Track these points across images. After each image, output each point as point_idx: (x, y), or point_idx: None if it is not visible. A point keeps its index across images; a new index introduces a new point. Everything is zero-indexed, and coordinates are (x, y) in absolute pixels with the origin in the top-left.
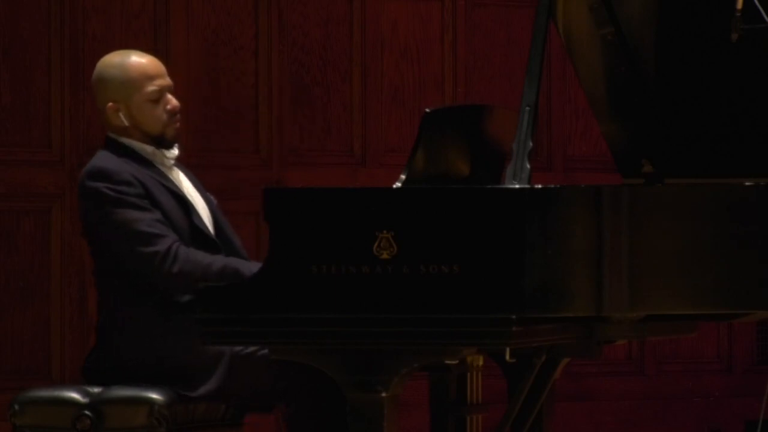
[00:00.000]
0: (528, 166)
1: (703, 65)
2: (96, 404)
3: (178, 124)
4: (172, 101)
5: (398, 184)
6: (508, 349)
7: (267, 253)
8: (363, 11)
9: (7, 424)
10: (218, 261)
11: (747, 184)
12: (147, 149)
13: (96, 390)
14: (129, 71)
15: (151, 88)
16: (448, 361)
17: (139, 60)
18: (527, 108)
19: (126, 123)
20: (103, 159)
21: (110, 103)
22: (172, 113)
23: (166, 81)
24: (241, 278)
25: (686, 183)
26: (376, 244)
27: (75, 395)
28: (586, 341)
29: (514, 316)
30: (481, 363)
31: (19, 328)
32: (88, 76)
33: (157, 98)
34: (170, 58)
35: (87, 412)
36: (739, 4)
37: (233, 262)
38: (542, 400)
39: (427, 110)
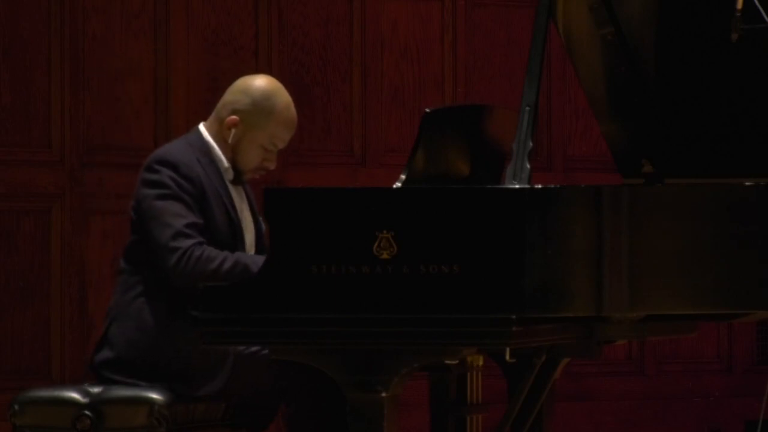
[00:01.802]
0: (528, 166)
1: (703, 65)
2: (96, 404)
3: (257, 176)
4: (273, 163)
5: (398, 184)
6: (508, 349)
7: (267, 253)
8: (363, 11)
9: (7, 424)
10: (229, 259)
11: (747, 184)
12: (224, 163)
13: (96, 390)
14: (274, 113)
15: (274, 140)
16: (448, 361)
17: (287, 111)
18: (527, 108)
19: (230, 140)
20: (180, 150)
21: (235, 117)
22: (262, 169)
23: (286, 143)
24: (250, 274)
25: (686, 183)
26: (376, 244)
27: (75, 395)
28: (586, 341)
29: (514, 316)
30: (481, 363)
31: (19, 328)
32: (88, 76)
33: (269, 149)
34: (170, 58)
35: (87, 412)
36: (739, 4)
37: (243, 258)
38: (542, 400)
39: (427, 110)
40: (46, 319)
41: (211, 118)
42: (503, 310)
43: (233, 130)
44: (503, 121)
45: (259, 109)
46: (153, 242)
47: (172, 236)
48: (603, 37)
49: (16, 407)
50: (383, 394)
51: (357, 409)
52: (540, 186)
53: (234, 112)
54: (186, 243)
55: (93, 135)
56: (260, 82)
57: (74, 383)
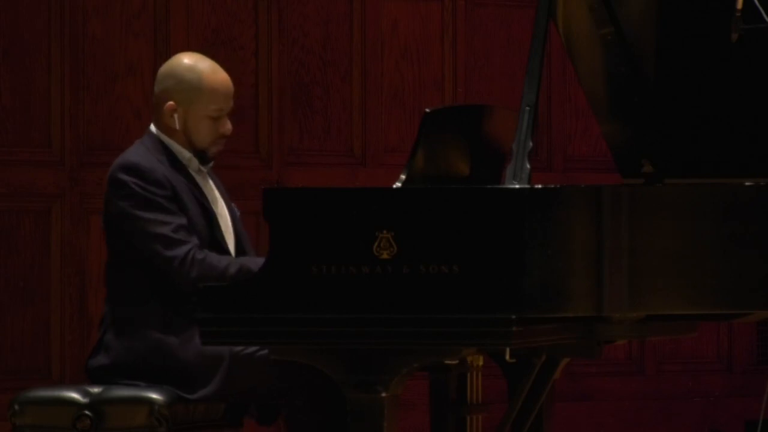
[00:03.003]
0: (528, 166)
1: (703, 65)
2: (96, 404)
3: (222, 147)
4: (227, 125)
5: (398, 184)
6: (508, 349)
7: (267, 254)
8: (363, 11)
9: (7, 424)
10: (233, 264)
11: (747, 184)
12: (185, 154)
13: (96, 390)
14: (203, 81)
15: (216, 106)
16: (448, 361)
17: (215, 74)
18: (527, 108)
19: (177, 126)
20: (138, 154)
21: (171, 102)
22: (222, 136)
23: (230, 104)
24: None
25: (686, 183)
26: (376, 244)
27: (75, 395)
28: (586, 341)
29: (514, 316)
30: (481, 363)
31: (19, 328)
32: (88, 75)
33: (217, 117)
34: (170, 58)
35: (87, 412)
36: (739, 4)
37: (247, 262)
38: (542, 400)
39: (427, 110)
40: (46, 319)
41: (154, 116)
42: (503, 310)
43: (175, 115)
44: (503, 121)
45: (187, 83)
46: (147, 256)
47: (165, 246)
48: (603, 37)
49: (16, 407)
50: (383, 394)
51: (357, 409)
52: (540, 186)
53: (166, 98)
54: (182, 249)
55: (93, 135)
56: (179, 59)
57: (74, 383)
